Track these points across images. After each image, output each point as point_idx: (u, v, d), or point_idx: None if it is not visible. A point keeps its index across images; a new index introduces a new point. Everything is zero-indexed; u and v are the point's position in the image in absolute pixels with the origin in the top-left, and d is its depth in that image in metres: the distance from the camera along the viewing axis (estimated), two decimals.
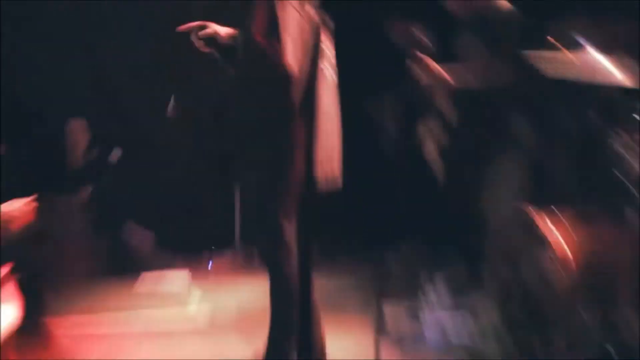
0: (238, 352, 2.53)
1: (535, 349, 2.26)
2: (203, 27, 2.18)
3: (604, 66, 2.21)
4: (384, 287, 2.89)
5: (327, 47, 2.17)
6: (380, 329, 2.51)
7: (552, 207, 2.35)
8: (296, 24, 2.02)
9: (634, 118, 2.21)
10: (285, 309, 2.14)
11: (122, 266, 3.80)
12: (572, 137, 2.50)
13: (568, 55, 2.27)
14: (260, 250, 2.68)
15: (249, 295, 3.37)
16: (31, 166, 3.42)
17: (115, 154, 3.85)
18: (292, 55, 1.93)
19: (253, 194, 2.26)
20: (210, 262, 4.22)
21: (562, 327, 2.24)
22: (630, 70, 2.17)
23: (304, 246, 2.18)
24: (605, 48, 2.26)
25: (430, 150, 2.73)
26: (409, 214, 3.61)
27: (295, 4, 2.02)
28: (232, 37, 2.17)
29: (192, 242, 4.29)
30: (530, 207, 2.35)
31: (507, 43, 2.56)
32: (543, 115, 2.56)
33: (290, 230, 2.09)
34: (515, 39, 2.59)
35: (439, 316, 2.72)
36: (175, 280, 3.76)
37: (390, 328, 2.71)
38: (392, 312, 2.81)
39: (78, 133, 3.87)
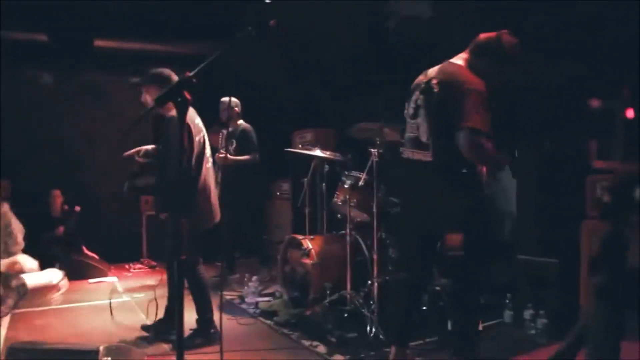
0: (143, 317, 4.32)
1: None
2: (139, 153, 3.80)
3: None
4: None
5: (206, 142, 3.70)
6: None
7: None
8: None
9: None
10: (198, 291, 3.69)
11: (79, 273, 5.95)
12: None
13: None
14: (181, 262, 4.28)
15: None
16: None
17: (78, 208, 6.21)
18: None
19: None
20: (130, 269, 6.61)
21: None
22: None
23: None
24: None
25: None
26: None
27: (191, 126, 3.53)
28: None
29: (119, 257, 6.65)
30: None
31: None
32: None
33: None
34: None
35: (253, 297, 4.83)
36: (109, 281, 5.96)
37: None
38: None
39: (57, 197, 6.23)
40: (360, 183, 4.09)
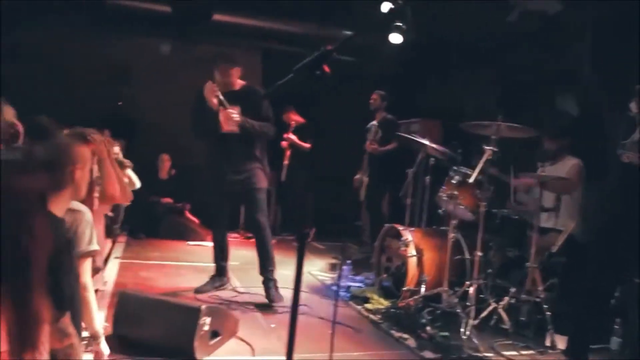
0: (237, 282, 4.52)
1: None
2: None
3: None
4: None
5: None
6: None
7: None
8: None
9: None
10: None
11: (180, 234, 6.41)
12: None
13: None
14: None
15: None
16: None
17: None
18: None
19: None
20: None
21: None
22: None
23: None
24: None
25: None
26: None
27: None
28: None
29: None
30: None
31: None
32: None
33: None
34: None
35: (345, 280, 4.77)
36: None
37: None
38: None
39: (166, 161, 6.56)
40: (470, 180, 3.94)
